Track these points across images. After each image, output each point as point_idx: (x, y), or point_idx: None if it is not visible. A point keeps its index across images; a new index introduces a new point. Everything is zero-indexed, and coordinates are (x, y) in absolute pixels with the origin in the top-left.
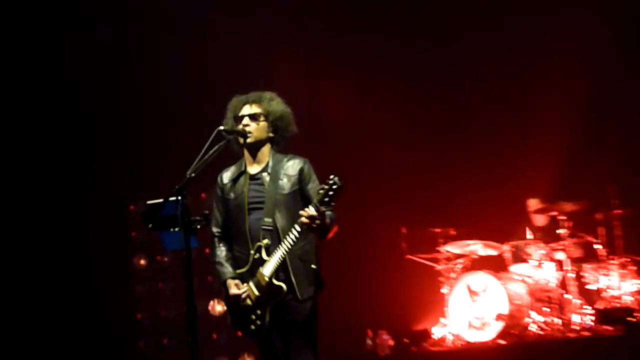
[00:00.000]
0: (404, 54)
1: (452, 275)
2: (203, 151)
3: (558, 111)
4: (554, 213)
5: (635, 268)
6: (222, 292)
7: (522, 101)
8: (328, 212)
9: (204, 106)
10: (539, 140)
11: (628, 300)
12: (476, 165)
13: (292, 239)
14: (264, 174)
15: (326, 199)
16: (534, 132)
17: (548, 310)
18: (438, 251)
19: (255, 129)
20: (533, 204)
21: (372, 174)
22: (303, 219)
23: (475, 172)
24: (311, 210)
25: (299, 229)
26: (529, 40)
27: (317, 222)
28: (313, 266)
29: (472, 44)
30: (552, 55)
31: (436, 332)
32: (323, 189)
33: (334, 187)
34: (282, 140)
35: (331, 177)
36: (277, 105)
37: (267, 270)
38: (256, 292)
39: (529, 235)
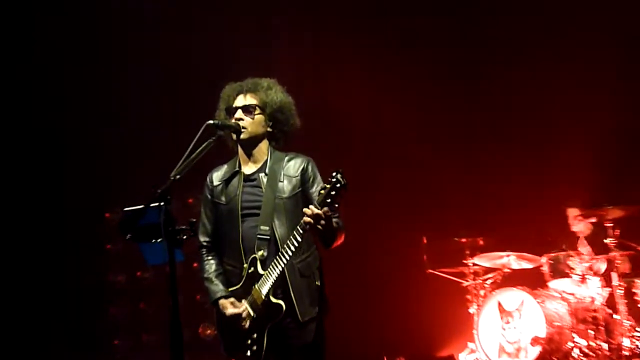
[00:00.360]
0: (432, 40)
1: (481, 292)
2: (190, 149)
3: (604, 110)
4: (599, 220)
5: None
6: (212, 314)
7: (563, 98)
8: (334, 219)
9: (191, 97)
10: (581, 139)
11: None
12: (508, 165)
13: (292, 248)
14: (261, 174)
15: (328, 200)
16: (575, 130)
17: (593, 332)
18: (465, 264)
19: (250, 123)
20: (574, 209)
21: (389, 174)
22: (306, 219)
23: (507, 172)
24: (315, 209)
25: (301, 232)
26: (568, 39)
27: (323, 222)
28: (317, 283)
29: (508, 42)
30: (594, 54)
31: (463, 359)
32: (325, 188)
33: (337, 185)
34: (282, 136)
35: (333, 173)
36: (276, 94)
37: (263, 286)
38: (252, 313)
39: (571, 245)
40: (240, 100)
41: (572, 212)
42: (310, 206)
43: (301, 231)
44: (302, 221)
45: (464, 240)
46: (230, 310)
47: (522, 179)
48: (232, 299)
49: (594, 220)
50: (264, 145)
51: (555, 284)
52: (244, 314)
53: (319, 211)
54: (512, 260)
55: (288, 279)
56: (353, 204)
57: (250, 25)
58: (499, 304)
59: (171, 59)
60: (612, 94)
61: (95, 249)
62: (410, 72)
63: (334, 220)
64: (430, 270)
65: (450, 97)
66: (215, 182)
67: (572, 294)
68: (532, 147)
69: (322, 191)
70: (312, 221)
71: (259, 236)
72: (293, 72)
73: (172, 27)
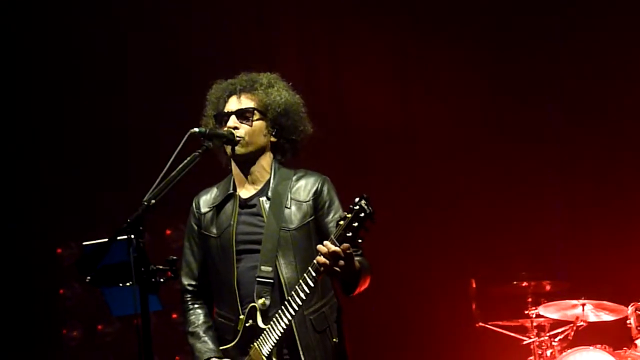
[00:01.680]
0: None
1: (548, 352)
2: (168, 165)
3: None
4: None
5: None
6: None
7: None
8: (357, 258)
9: (172, 100)
10: None
11: None
12: (583, 191)
13: (302, 295)
14: (262, 198)
15: (350, 234)
16: None
17: None
18: (526, 316)
19: (247, 132)
20: None
21: (428, 199)
22: (320, 258)
23: (582, 200)
24: (332, 245)
25: (313, 275)
26: None
27: (342, 263)
28: (334, 339)
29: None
30: None
31: None
32: (345, 218)
33: (361, 215)
34: (290, 147)
35: (356, 200)
36: (279, 93)
37: (264, 345)
38: None
39: None
40: (234, 104)
41: None
42: (326, 242)
43: (314, 274)
44: (315, 261)
45: (525, 284)
46: None
47: (602, 206)
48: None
49: None
50: (265, 160)
51: None
52: None
53: (337, 248)
54: (589, 311)
55: (297, 335)
56: (381, 237)
57: (249, 9)
58: None
59: (141, 57)
60: None
61: (44, 296)
62: (455, 65)
63: (356, 259)
64: (481, 324)
65: (504, 99)
66: (204, 209)
67: None
68: (617, 164)
69: (342, 222)
70: (328, 262)
71: (259, 279)
72: (301, 64)
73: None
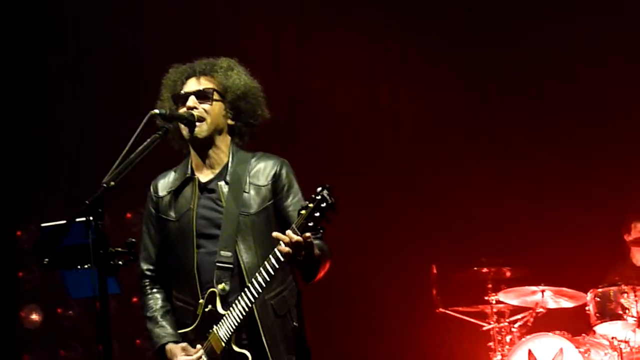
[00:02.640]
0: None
1: (508, 338)
2: (128, 147)
3: None
4: None
5: None
6: None
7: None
8: (317, 242)
9: (132, 84)
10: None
11: None
12: (544, 174)
13: (262, 283)
14: (221, 182)
15: (311, 223)
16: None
17: None
18: (486, 302)
19: (208, 113)
20: (637, 228)
21: (390, 185)
22: (282, 247)
23: (543, 187)
24: (294, 235)
25: (274, 264)
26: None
27: (303, 252)
28: (295, 324)
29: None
30: None
31: None
32: (307, 207)
33: (323, 205)
34: (247, 131)
35: (318, 189)
36: (239, 77)
37: (224, 330)
38: None
39: (627, 278)
40: (193, 85)
41: (634, 232)
42: (288, 231)
43: (275, 263)
44: (276, 250)
45: (485, 270)
46: (180, 358)
47: (562, 192)
48: (183, 344)
49: None
50: (223, 143)
51: (603, 329)
52: None
53: (299, 238)
54: (548, 297)
55: (259, 319)
56: (343, 222)
57: None
58: (530, 354)
59: (108, 40)
60: None
61: (2, 278)
62: (419, 49)
63: (316, 242)
64: (441, 310)
65: (472, 87)
66: (161, 192)
67: (626, 342)
68: (577, 153)
69: (303, 211)
70: (289, 251)
71: (218, 265)
72: (263, 48)
73: None
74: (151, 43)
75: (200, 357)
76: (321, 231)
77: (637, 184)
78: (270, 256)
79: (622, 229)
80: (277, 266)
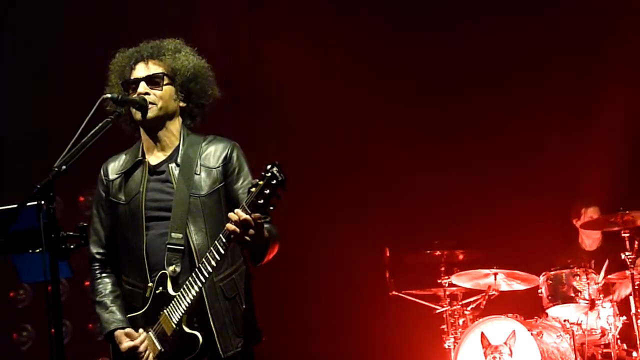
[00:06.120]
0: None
1: (460, 321)
2: (80, 131)
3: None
4: (615, 228)
5: None
6: (107, 348)
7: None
8: (266, 225)
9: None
10: (594, 131)
11: None
12: (494, 159)
13: (212, 263)
14: (172, 165)
15: (261, 201)
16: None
17: None
18: (439, 285)
19: (159, 98)
20: (594, 209)
21: (342, 167)
22: (231, 226)
23: (495, 171)
24: (242, 213)
25: (224, 243)
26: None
27: (252, 232)
28: (244, 306)
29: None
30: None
31: None
32: (257, 185)
33: (273, 182)
34: (199, 112)
35: (268, 167)
36: (187, 58)
37: (174, 312)
38: (159, 347)
39: (578, 260)
40: (142, 70)
41: (590, 213)
42: (237, 209)
43: (225, 241)
44: (225, 229)
45: (438, 253)
46: (125, 344)
47: (513, 176)
48: (127, 330)
49: (613, 229)
50: (174, 126)
51: (555, 311)
52: (141, 347)
53: (248, 217)
54: (501, 280)
55: (207, 302)
56: (294, 205)
57: None
58: (483, 337)
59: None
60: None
61: None
62: (371, 38)
63: (265, 226)
64: (394, 292)
65: (424, 73)
66: (112, 176)
67: (578, 324)
68: (528, 139)
69: (253, 189)
70: (238, 229)
71: (169, 246)
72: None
73: None
74: (102, 29)
75: (144, 341)
76: (271, 208)
77: (586, 171)
78: (221, 235)
79: (572, 214)
80: (226, 245)
